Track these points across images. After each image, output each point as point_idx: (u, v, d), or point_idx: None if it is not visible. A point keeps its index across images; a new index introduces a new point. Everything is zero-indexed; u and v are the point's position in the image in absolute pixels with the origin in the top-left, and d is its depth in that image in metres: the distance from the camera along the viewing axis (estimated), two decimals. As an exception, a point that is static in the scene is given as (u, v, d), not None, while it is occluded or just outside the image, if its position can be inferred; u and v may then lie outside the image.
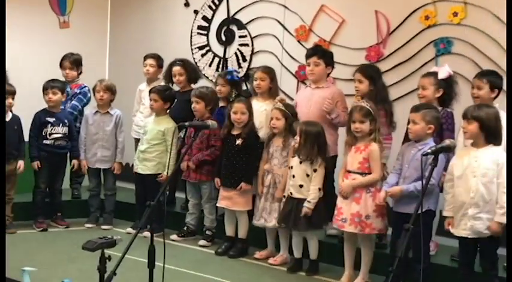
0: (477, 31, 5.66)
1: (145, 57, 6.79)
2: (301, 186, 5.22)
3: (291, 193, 5.27)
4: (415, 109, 4.74)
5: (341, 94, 5.66)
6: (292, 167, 5.29)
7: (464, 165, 4.37)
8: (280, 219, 5.35)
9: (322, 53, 5.70)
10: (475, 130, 4.31)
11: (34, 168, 6.18)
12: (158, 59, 6.77)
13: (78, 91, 6.71)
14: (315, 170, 5.19)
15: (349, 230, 4.93)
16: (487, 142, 4.32)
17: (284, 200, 5.35)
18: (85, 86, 6.75)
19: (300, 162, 5.23)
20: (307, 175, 5.21)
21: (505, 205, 4.21)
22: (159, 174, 6.12)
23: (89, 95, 6.74)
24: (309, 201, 5.15)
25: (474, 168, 4.32)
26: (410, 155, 4.72)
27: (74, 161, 6.45)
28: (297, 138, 5.23)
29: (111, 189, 6.56)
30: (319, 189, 5.18)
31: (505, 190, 4.21)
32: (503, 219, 4.23)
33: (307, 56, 5.72)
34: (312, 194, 5.16)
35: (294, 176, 5.26)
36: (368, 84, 5.32)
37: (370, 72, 5.40)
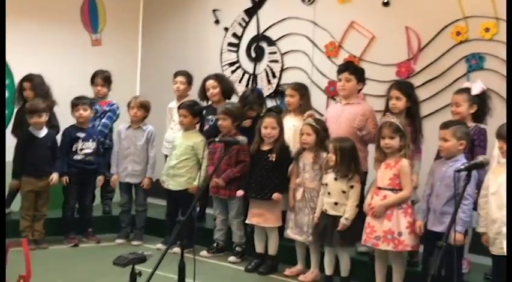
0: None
1: (176, 75, 6.83)
2: (336, 203, 5.19)
3: (326, 209, 5.24)
4: (445, 126, 4.69)
5: (372, 111, 5.63)
6: (326, 184, 5.27)
7: (499, 182, 4.30)
8: (315, 236, 5.33)
9: (353, 69, 5.69)
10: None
11: (63, 184, 6.23)
12: (188, 76, 6.81)
13: (107, 108, 6.77)
14: (351, 187, 5.16)
15: (382, 248, 4.88)
16: None
17: (316, 215, 5.32)
18: (114, 103, 6.82)
19: (335, 179, 5.20)
20: (343, 191, 5.18)
21: None
22: None
23: (117, 112, 6.81)
24: (346, 218, 5.11)
25: (503, 185, 4.25)
26: (441, 172, 4.67)
27: (100, 178, 6.49)
28: (331, 155, 5.20)
29: (142, 205, 6.58)
30: (357, 205, 5.14)
31: None
32: None
33: (339, 72, 5.71)
34: (350, 210, 5.12)
35: (329, 193, 5.24)
36: (405, 101, 5.27)
37: (407, 88, 5.35)
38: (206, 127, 6.41)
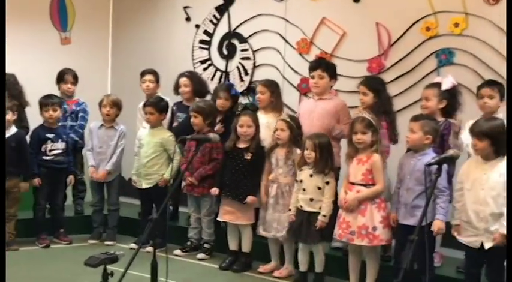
0: (478, 41, 5.65)
1: (143, 73, 6.80)
2: (311, 199, 5.20)
3: (301, 206, 5.24)
4: (415, 119, 4.75)
5: (344, 106, 5.65)
6: (301, 181, 5.26)
7: (473, 177, 4.35)
8: (290, 232, 5.32)
9: (326, 66, 5.70)
10: (486, 147, 4.27)
11: (35, 185, 6.16)
12: (156, 74, 6.80)
13: (77, 108, 6.71)
14: (327, 183, 5.17)
15: (357, 243, 4.90)
16: (496, 155, 4.29)
17: (291, 212, 5.32)
18: (83, 102, 6.76)
19: (310, 176, 5.21)
20: (319, 188, 5.18)
21: None
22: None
23: (88, 110, 6.75)
24: (324, 215, 5.12)
25: (483, 181, 4.30)
26: (410, 165, 4.72)
27: (71, 177, 6.43)
28: (308, 151, 5.18)
29: (114, 205, 6.53)
30: (332, 201, 5.14)
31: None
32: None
33: (311, 69, 5.72)
34: (326, 207, 5.13)
35: (304, 190, 5.24)
36: (373, 96, 5.30)
37: (374, 84, 5.38)
38: (175, 124, 6.40)
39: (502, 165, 4.26)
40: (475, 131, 4.31)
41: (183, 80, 6.45)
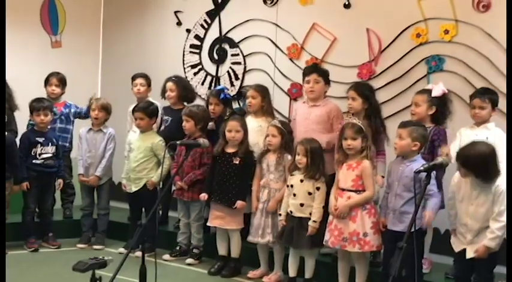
0: (468, 48, 5.67)
1: (134, 77, 6.80)
2: (301, 205, 5.20)
3: (291, 211, 5.24)
4: (403, 125, 4.77)
5: (338, 109, 5.66)
6: (292, 186, 5.26)
7: (464, 191, 4.37)
8: (281, 238, 5.32)
9: (322, 72, 5.72)
10: (469, 173, 4.27)
11: (23, 189, 6.13)
12: (147, 78, 6.80)
13: (66, 110, 6.70)
14: (317, 188, 5.16)
15: (349, 250, 4.89)
16: (485, 182, 4.26)
17: (281, 217, 5.32)
18: (70, 104, 6.76)
19: (301, 181, 5.20)
20: (309, 193, 5.18)
21: (497, 232, 4.21)
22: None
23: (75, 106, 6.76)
24: (314, 221, 5.11)
25: (472, 196, 4.32)
26: (398, 171, 4.73)
27: (60, 181, 6.41)
28: (300, 156, 5.17)
29: (104, 209, 6.51)
30: (323, 207, 5.13)
31: (500, 219, 4.19)
32: (491, 245, 4.23)
33: (307, 73, 5.72)
34: (316, 213, 5.12)
35: (294, 195, 5.23)
36: (361, 102, 5.31)
37: (363, 90, 5.39)
38: (162, 128, 6.40)
39: (492, 187, 4.25)
40: (458, 158, 4.30)
41: (170, 85, 6.46)
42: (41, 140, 6.20)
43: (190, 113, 5.90)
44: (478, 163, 4.20)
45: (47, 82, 6.70)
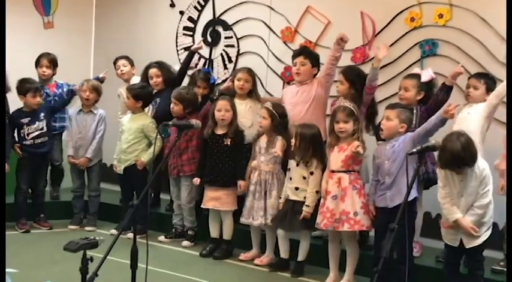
0: (462, 33, 5.67)
1: (116, 60, 6.78)
2: (297, 188, 5.22)
3: (288, 195, 5.26)
4: (391, 107, 4.80)
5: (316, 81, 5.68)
6: (289, 169, 5.28)
7: (453, 184, 4.39)
8: (276, 221, 5.34)
9: (308, 54, 5.72)
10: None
11: (19, 156, 6.12)
12: (128, 59, 6.78)
13: (59, 90, 6.64)
14: (311, 173, 5.17)
15: (340, 230, 4.90)
16: (469, 167, 4.30)
17: (281, 200, 5.34)
18: (62, 83, 6.69)
19: (297, 165, 5.21)
20: (304, 178, 5.19)
21: (476, 210, 4.27)
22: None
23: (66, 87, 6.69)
24: (307, 205, 5.12)
25: (461, 188, 4.34)
26: (387, 151, 4.73)
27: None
28: (293, 139, 5.20)
29: (95, 190, 6.51)
30: (317, 192, 5.14)
31: (482, 200, 4.27)
32: (469, 220, 4.29)
33: (294, 56, 5.73)
34: (310, 197, 5.14)
35: (290, 179, 5.25)
36: (348, 86, 5.34)
37: (351, 74, 5.41)
38: (151, 109, 6.39)
39: (476, 171, 4.29)
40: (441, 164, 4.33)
41: (154, 71, 6.40)
42: (26, 120, 6.15)
43: (180, 97, 5.86)
44: (456, 161, 4.23)
45: (37, 63, 6.65)
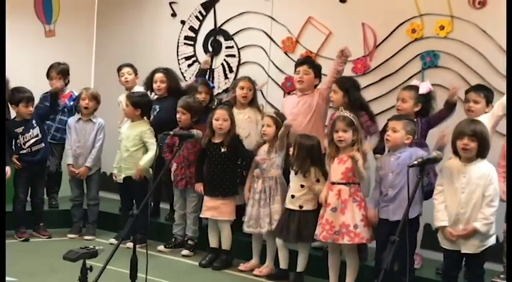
0: (463, 45, 5.68)
1: (120, 68, 6.78)
2: (292, 196, 5.22)
3: (286, 203, 5.29)
4: (397, 118, 4.79)
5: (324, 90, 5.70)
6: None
7: (453, 179, 4.37)
8: (275, 230, 5.34)
9: (312, 64, 5.76)
10: (475, 147, 4.29)
11: (17, 167, 6.11)
12: (133, 67, 6.79)
13: (70, 103, 6.65)
14: (317, 181, 5.17)
15: (339, 242, 4.89)
16: (477, 156, 4.32)
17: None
18: (77, 96, 6.64)
19: (296, 174, 5.22)
20: (302, 186, 5.19)
21: (491, 218, 4.25)
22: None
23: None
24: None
25: (463, 184, 4.33)
26: (391, 162, 4.72)
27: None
28: (292, 148, 5.22)
29: (94, 199, 6.49)
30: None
31: (492, 204, 4.23)
32: (483, 229, 4.26)
33: (297, 64, 5.76)
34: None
35: (289, 186, 5.29)
36: (342, 95, 5.33)
37: (344, 83, 5.41)
38: (151, 118, 6.36)
39: (480, 167, 4.30)
40: (466, 131, 4.30)
41: (160, 76, 6.38)
42: (20, 129, 6.14)
43: (188, 106, 5.86)
44: (484, 130, 4.31)
45: (48, 75, 6.64)
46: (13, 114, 6.28)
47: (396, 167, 4.67)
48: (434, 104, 5.21)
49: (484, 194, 4.27)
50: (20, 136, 6.14)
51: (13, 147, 6.18)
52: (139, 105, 6.15)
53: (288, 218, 5.21)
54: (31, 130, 6.19)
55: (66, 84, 6.72)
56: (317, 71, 5.71)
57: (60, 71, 6.65)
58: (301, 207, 5.17)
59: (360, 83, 5.61)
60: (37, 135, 6.22)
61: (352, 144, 4.92)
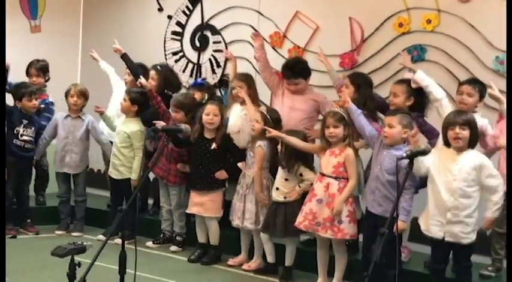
0: (450, 38, 5.70)
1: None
2: (277, 188, 5.25)
3: (272, 196, 5.31)
4: (392, 113, 4.75)
5: (322, 96, 5.75)
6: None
7: (444, 167, 4.39)
8: (263, 226, 5.35)
9: (298, 72, 5.69)
10: (468, 136, 4.33)
11: None
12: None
13: (42, 105, 6.50)
14: (300, 175, 5.19)
15: (322, 235, 4.91)
16: (469, 146, 4.36)
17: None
18: (48, 100, 6.59)
19: (283, 168, 5.24)
20: (286, 180, 5.21)
21: (500, 202, 4.32)
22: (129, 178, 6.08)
23: (53, 109, 6.59)
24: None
25: (455, 171, 4.34)
26: (382, 156, 4.72)
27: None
28: (279, 146, 5.26)
29: (81, 196, 6.46)
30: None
31: (498, 189, 4.31)
32: (495, 215, 4.35)
33: (286, 77, 5.73)
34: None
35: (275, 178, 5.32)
36: (353, 90, 5.27)
37: (357, 79, 5.37)
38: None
39: (472, 156, 4.33)
40: (457, 121, 4.34)
41: (152, 74, 6.34)
42: (25, 121, 6.13)
43: (179, 104, 5.83)
44: (474, 120, 4.39)
45: (27, 72, 6.58)
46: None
47: (382, 163, 4.67)
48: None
49: (487, 185, 4.32)
50: (22, 126, 6.10)
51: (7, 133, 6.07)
52: (137, 102, 6.12)
53: (274, 212, 5.23)
54: (33, 128, 6.18)
55: (46, 81, 6.66)
56: (305, 73, 5.70)
57: (39, 68, 6.58)
58: (285, 197, 5.21)
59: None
60: (33, 137, 6.20)
61: (343, 139, 4.92)
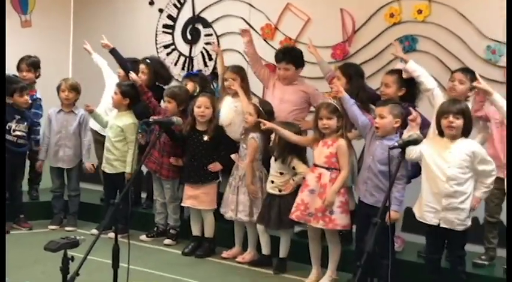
0: (441, 28, 5.70)
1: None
2: (272, 182, 5.25)
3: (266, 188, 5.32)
4: (382, 103, 4.76)
5: (313, 88, 5.73)
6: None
7: (438, 155, 4.39)
8: (258, 218, 5.36)
9: (290, 58, 5.68)
10: (462, 124, 4.34)
11: None
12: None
13: (29, 101, 6.44)
14: (293, 168, 5.17)
15: (313, 225, 4.92)
16: (462, 135, 4.37)
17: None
18: (37, 97, 6.56)
19: (275, 160, 5.23)
20: (281, 173, 5.21)
21: (491, 186, 4.39)
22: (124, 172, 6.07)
23: (41, 105, 6.58)
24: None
25: (448, 158, 4.34)
26: (374, 145, 4.71)
27: (39, 163, 6.42)
28: (274, 135, 5.25)
29: (75, 190, 6.45)
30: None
31: (492, 174, 4.37)
32: (484, 196, 4.45)
33: (277, 60, 5.72)
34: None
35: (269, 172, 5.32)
36: (345, 82, 5.27)
37: (348, 70, 5.36)
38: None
39: (467, 144, 4.35)
40: (451, 110, 4.34)
41: (142, 67, 6.31)
42: (18, 117, 6.11)
43: (172, 94, 5.82)
44: (468, 108, 4.42)
45: (18, 68, 6.56)
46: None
47: (374, 153, 4.67)
48: (421, 87, 5.18)
49: (481, 169, 4.35)
50: (14, 121, 6.08)
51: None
52: (128, 95, 6.10)
53: (269, 204, 5.23)
54: (25, 123, 6.16)
55: (36, 77, 6.63)
56: (298, 61, 5.68)
57: (30, 64, 6.56)
58: (280, 190, 5.20)
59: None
60: (25, 132, 6.18)
61: (336, 131, 4.92)
